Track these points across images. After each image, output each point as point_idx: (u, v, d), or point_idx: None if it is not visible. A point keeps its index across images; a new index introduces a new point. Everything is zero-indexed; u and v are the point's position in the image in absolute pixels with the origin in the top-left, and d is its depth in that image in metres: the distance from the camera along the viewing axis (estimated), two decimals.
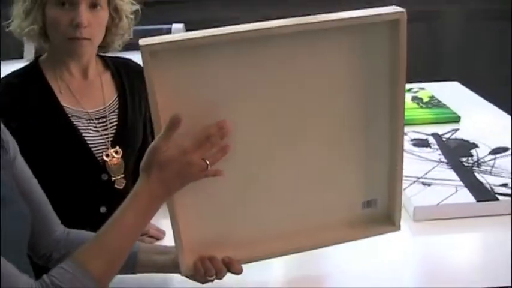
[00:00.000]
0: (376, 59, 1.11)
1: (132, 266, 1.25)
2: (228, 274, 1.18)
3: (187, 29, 3.48)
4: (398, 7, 1.08)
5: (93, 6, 1.46)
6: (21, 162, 1.20)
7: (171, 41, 0.97)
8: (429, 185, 1.66)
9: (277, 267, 1.37)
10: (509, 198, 1.57)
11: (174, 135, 1.02)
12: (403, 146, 1.19)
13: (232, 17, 3.76)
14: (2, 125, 1.15)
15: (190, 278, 1.23)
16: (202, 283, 1.22)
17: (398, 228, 1.28)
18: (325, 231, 1.24)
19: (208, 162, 1.04)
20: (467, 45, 3.87)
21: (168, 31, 3.38)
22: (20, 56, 2.77)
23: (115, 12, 1.53)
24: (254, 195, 1.17)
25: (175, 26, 3.42)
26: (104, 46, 1.58)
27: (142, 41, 0.96)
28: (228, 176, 1.09)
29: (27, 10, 1.46)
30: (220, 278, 1.19)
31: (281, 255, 1.25)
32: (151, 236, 1.50)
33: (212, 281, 1.20)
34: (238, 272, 1.18)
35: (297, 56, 1.06)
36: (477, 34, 3.86)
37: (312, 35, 1.04)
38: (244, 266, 1.18)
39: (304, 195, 1.20)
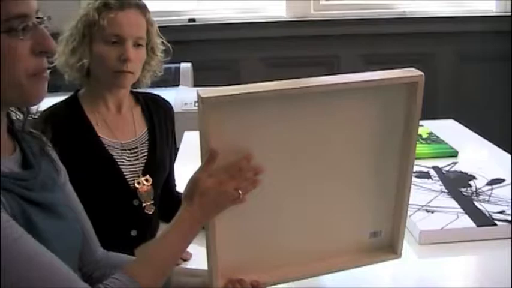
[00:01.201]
0: (393, 113, 1.27)
1: (166, 286, 1.37)
2: None
3: (194, 68, 3.64)
4: (416, 70, 1.23)
5: (137, 45, 1.62)
6: (70, 188, 1.34)
7: (227, 95, 1.11)
8: (432, 212, 1.80)
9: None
10: (507, 224, 1.71)
11: (213, 168, 1.16)
12: (410, 187, 1.36)
13: (232, 59, 3.96)
14: (54, 152, 1.29)
15: None
16: None
17: (399, 256, 1.44)
18: (337, 257, 1.40)
19: (240, 192, 1.18)
20: (460, 85, 4.03)
21: (177, 69, 3.54)
22: None
23: (151, 51, 1.69)
24: (279, 225, 1.31)
25: (183, 65, 3.58)
26: (135, 82, 1.73)
27: (202, 93, 1.11)
28: (259, 207, 1.24)
29: (75, 47, 1.61)
30: None
31: (298, 279, 1.38)
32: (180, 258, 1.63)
33: None
34: None
35: (325, 110, 1.22)
36: (469, 74, 4.02)
37: (341, 93, 1.21)
38: None
39: (321, 226, 1.35)
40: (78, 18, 1.63)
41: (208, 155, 1.14)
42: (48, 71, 1.08)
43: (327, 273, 1.41)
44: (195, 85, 3.68)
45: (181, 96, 3.23)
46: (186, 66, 3.61)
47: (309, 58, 3.91)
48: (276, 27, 3.83)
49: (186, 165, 1.90)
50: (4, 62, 0.99)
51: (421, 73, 1.23)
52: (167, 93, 1.91)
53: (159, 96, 1.85)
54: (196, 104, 3.49)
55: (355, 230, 1.40)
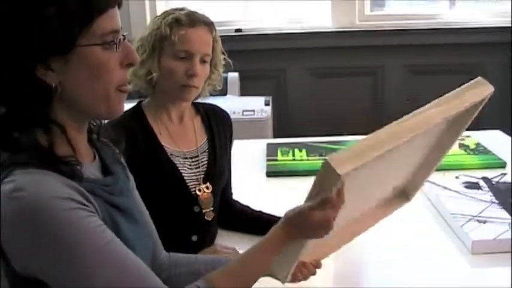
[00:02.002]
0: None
1: None
2: None
3: (241, 77, 3.71)
4: (486, 82, 1.28)
5: (203, 61, 1.70)
6: (137, 194, 1.40)
7: (359, 165, 1.07)
8: (484, 222, 1.83)
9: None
10: None
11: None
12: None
13: (278, 68, 4.02)
14: (123, 159, 1.36)
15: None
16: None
17: (410, 201, 1.52)
18: (369, 219, 1.47)
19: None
20: (506, 96, 4.02)
21: (224, 79, 3.60)
22: None
23: (214, 66, 1.76)
24: None
25: (230, 74, 3.65)
26: None
27: (334, 163, 1.06)
28: None
29: (144, 60, 1.69)
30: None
31: (340, 246, 1.45)
32: None
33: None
34: (320, 267, 1.40)
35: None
36: None
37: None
38: None
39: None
40: (149, 31, 1.71)
41: (327, 200, 1.13)
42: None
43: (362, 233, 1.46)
44: (242, 94, 3.76)
45: (229, 105, 3.27)
46: (233, 76, 3.68)
47: (354, 68, 3.97)
48: (322, 38, 3.89)
49: (235, 173, 1.98)
50: (99, 74, 1.08)
51: (492, 88, 1.28)
52: (215, 102, 1.97)
53: (217, 106, 1.92)
54: (244, 114, 3.53)
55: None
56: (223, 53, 1.81)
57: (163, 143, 1.73)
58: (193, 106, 1.85)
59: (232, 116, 1.99)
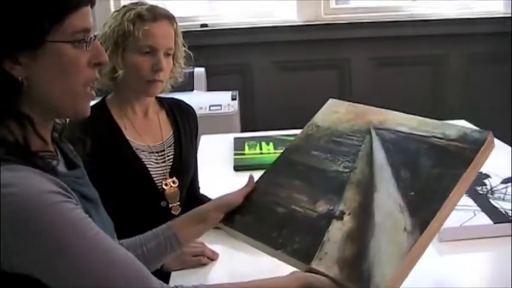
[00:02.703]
0: None
1: (176, 244, 1.43)
2: None
3: (207, 73, 3.69)
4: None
5: (166, 55, 1.69)
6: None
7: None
8: None
9: None
10: None
11: None
12: None
13: (244, 63, 4.01)
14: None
15: None
16: None
17: None
18: None
19: None
20: (470, 87, 4.07)
21: (191, 75, 3.59)
22: None
23: (176, 60, 1.76)
24: None
25: (197, 69, 3.63)
26: None
27: None
28: None
29: (108, 56, 1.67)
30: None
31: None
32: (207, 257, 1.67)
33: None
34: None
35: None
36: (478, 76, 4.06)
37: None
38: None
39: None
40: (110, 27, 1.69)
41: None
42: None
43: None
44: (209, 89, 3.74)
45: (196, 101, 3.27)
46: (199, 71, 3.66)
47: (320, 61, 3.97)
48: (287, 31, 3.88)
49: (203, 168, 1.97)
50: (67, 71, 1.07)
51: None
52: (182, 98, 1.97)
53: (182, 101, 1.92)
54: (211, 109, 3.56)
55: None
56: (183, 46, 1.80)
57: (128, 138, 1.72)
58: (158, 101, 1.84)
59: (199, 112, 2.00)
